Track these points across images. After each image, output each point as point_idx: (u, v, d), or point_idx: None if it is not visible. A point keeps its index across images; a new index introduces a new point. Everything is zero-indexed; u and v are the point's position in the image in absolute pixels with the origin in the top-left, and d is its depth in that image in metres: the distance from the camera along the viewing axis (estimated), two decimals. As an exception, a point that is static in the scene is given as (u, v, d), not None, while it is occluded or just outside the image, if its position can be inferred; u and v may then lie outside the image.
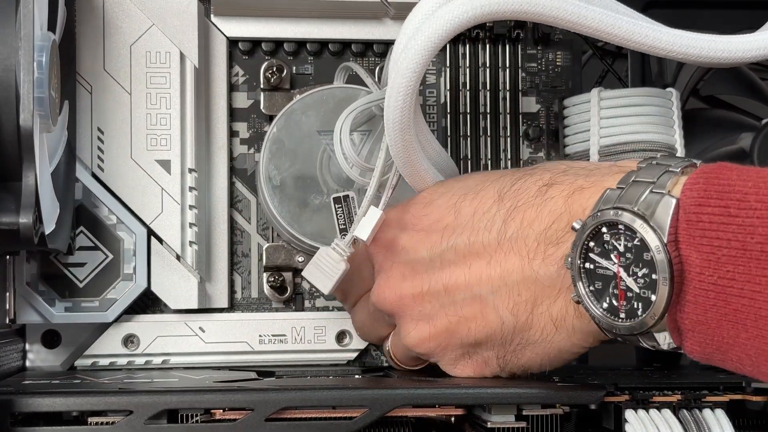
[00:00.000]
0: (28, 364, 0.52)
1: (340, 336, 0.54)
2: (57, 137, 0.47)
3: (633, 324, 0.37)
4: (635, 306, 0.37)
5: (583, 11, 0.41)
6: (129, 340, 0.52)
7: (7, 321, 0.50)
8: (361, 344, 0.54)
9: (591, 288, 0.39)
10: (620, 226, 0.37)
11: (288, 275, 0.55)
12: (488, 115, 0.57)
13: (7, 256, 0.50)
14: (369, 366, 0.54)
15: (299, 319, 0.54)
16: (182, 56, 0.52)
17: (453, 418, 0.43)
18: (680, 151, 0.51)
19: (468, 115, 0.56)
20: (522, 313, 0.42)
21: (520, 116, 0.57)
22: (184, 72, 0.52)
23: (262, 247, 0.55)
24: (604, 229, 0.38)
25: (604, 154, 0.51)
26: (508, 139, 0.57)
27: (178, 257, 0.52)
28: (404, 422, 0.42)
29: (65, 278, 0.51)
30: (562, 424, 0.41)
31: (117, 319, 0.52)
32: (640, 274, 0.36)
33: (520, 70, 0.57)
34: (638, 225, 0.36)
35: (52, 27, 0.45)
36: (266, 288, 0.55)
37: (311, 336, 0.54)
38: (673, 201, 0.35)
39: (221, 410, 0.41)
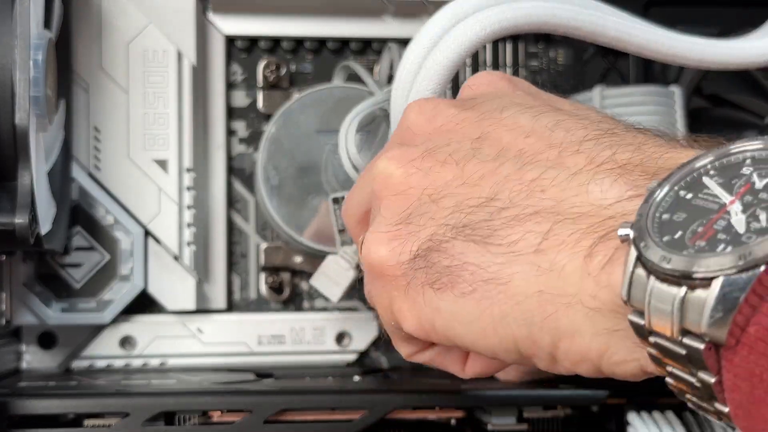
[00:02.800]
0: (23, 365, 0.51)
1: (340, 337, 0.54)
2: (53, 136, 0.46)
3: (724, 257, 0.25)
4: (727, 238, 0.26)
5: (601, 20, 0.41)
6: (126, 341, 0.52)
7: (3, 322, 0.49)
8: (361, 346, 0.54)
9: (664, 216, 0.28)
10: None
11: (286, 276, 0.54)
12: (489, 114, 0.56)
13: (3, 257, 0.49)
14: (368, 368, 0.54)
15: (298, 320, 0.54)
16: (179, 54, 0.51)
17: (453, 421, 0.43)
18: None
19: (468, 114, 0.56)
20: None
21: (521, 115, 0.57)
22: (181, 70, 0.51)
23: (260, 247, 0.54)
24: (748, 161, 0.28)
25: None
26: (509, 138, 0.56)
27: (175, 258, 0.51)
28: (404, 424, 0.42)
29: (61, 279, 0.50)
30: (564, 427, 0.41)
31: (114, 321, 0.51)
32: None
33: (521, 69, 0.57)
34: None
35: (48, 25, 0.45)
36: (264, 289, 0.54)
37: (310, 337, 0.53)
38: None
39: (219, 412, 0.41)
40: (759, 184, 0.26)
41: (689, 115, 0.53)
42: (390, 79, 0.52)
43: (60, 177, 0.48)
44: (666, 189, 0.28)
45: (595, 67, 0.58)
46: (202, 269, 0.53)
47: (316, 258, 0.52)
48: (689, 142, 0.31)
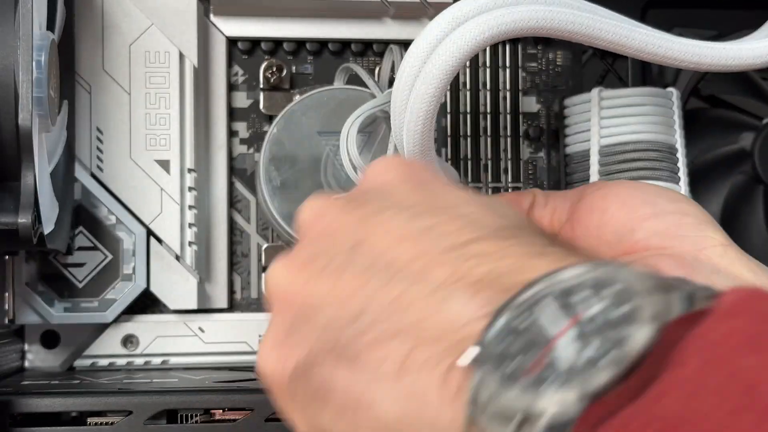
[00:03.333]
0: (27, 364, 0.52)
1: (340, 336, 0.54)
2: (56, 137, 0.47)
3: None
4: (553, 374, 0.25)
5: (599, 24, 0.41)
6: (128, 340, 0.52)
7: (6, 321, 0.50)
8: (361, 344, 0.54)
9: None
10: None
11: (288, 275, 0.54)
12: (488, 115, 0.56)
13: (6, 257, 0.49)
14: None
15: (299, 319, 0.54)
16: (181, 56, 0.52)
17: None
18: (681, 151, 0.51)
19: (468, 115, 0.56)
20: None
21: (521, 116, 0.57)
22: (183, 72, 0.52)
23: (261, 247, 0.55)
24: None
25: (604, 154, 0.51)
26: (509, 139, 0.57)
27: (177, 257, 0.51)
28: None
29: (64, 278, 0.50)
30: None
31: (116, 320, 0.51)
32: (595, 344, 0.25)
33: (520, 70, 0.57)
34: None
35: (51, 26, 0.45)
36: (265, 289, 0.54)
37: (311, 336, 0.54)
38: None
39: (221, 410, 0.41)
40: (586, 314, 0.24)
41: (687, 116, 0.53)
42: (392, 81, 0.53)
43: (63, 177, 0.48)
44: (506, 315, 0.26)
45: (594, 69, 0.58)
46: (203, 269, 0.53)
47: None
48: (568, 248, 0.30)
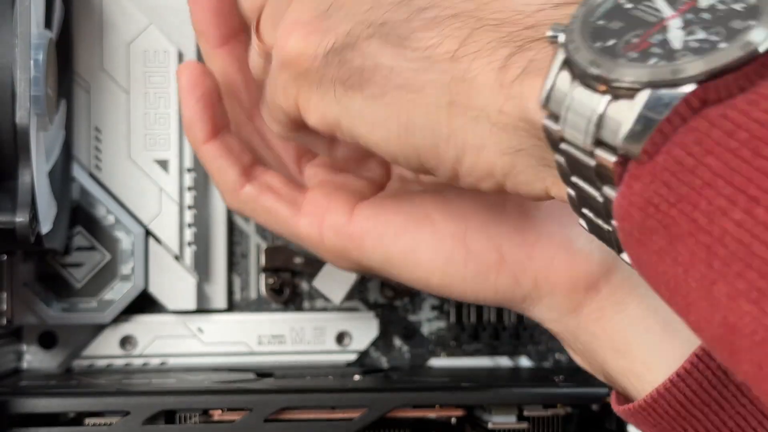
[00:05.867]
0: (24, 365, 0.51)
1: (340, 337, 0.54)
2: (54, 136, 0.46)
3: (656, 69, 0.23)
4: (661, 52, 0.24)
5: None
6: (126, 341, 0.52)
7: (4, 322, 0.50)
8: (361, 345, 0.54)
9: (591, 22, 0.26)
10: None
11: (287, 276, 0.54)
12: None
13: (4, 257, 0.49)
14: (368, 367, 0.54)
15: (298, 320, 0.54)
16: (180, 55, 0.51)
17: (453, 419, 0.43)
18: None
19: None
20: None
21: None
22: (182, 71, 0.51)
23: (260, 248, 0.54)
24: None
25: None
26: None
27: (176, 258, 0.51)
28: (404, 423, 0.42)
29: (62, 279, 0.50)
30: (564, 425, 0.41)
31: (114, 320, 0.51)
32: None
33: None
34: None
35: (48, 25, 0.45)
36: (265, 289, 0.54)
37: (310, 337, 0.53)
38: None
39: (219, 411, 0.41)
40: (703, 2, 0.24)
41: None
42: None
43: (61, 177, 0.48)
44: None
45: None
46: (202, 269, 0.53)
47: (316, 259, 0.52)
48: None
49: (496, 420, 0.40)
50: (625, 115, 0.23)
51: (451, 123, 0.28)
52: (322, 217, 0.38)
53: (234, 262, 0.55)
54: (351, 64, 0.30)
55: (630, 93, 0.23)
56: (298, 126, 0.35)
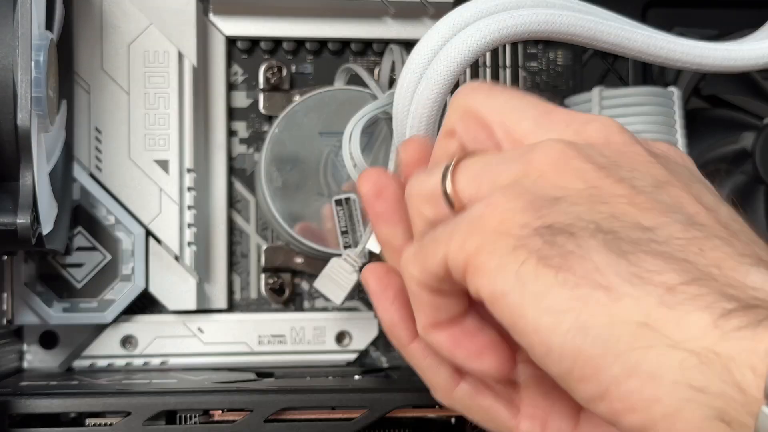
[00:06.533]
0: (25, 365, 0.52)
1: (340, 337, 0.54)
2: (55, 137, 0.47)
3: None
4: None
5: (600, 26, 0.41)
6: (127, 341, 0.52)
7: (5, 322, 0.50)
8: (361, 345, 0.54)
9: None
10: None
11: (287, 276, 0.54)
12: (488, 115, 0.56)
13: (5, 257, 0.49)
14: (369, 367, 0.54)
15: (298, 319, 0.54)
16: (180, 55, 0.51)
17: (453, 419, 0.43)
18: (682, 150, 0.51)
19: (468, 115, 0.56)
20: None
21: (521, 116, 0.57)
22: (182, 71, 0.51)
23: (261, 247, 0.55)
24: None
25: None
26: (509, 139, 0.56)
27: (176, 258, 0.51)
28: (404, 423, 0.42)
29: (63, 279, 0.50)
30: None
31: (115, 320, 0.51)
32: None
33: (521, 70, 0.57)
34: None
35: (49, 26, 0.45)
36: (265, 289, 0.54)
37: (311, 337, 0.54)
38: None
39: (220, 411, 0.41)
40: None
41: (688, 115, 0.53)
42: (392, 81, 0.53)
43: (61, 177, 0.48)
44: None
45: (594, 69, 0.58)
46: (202, 269, 0.53)
47: (316, 259, 0.53)
48: None
49: (495, 420, 0.40)
50: None
51: (633, 341, 0.27)
52: (545, 421, 0.35)
53: (234, 262, 0.55)
54: (561, 246, 0.29)
55: None
56: (440, 282, 0.33)
